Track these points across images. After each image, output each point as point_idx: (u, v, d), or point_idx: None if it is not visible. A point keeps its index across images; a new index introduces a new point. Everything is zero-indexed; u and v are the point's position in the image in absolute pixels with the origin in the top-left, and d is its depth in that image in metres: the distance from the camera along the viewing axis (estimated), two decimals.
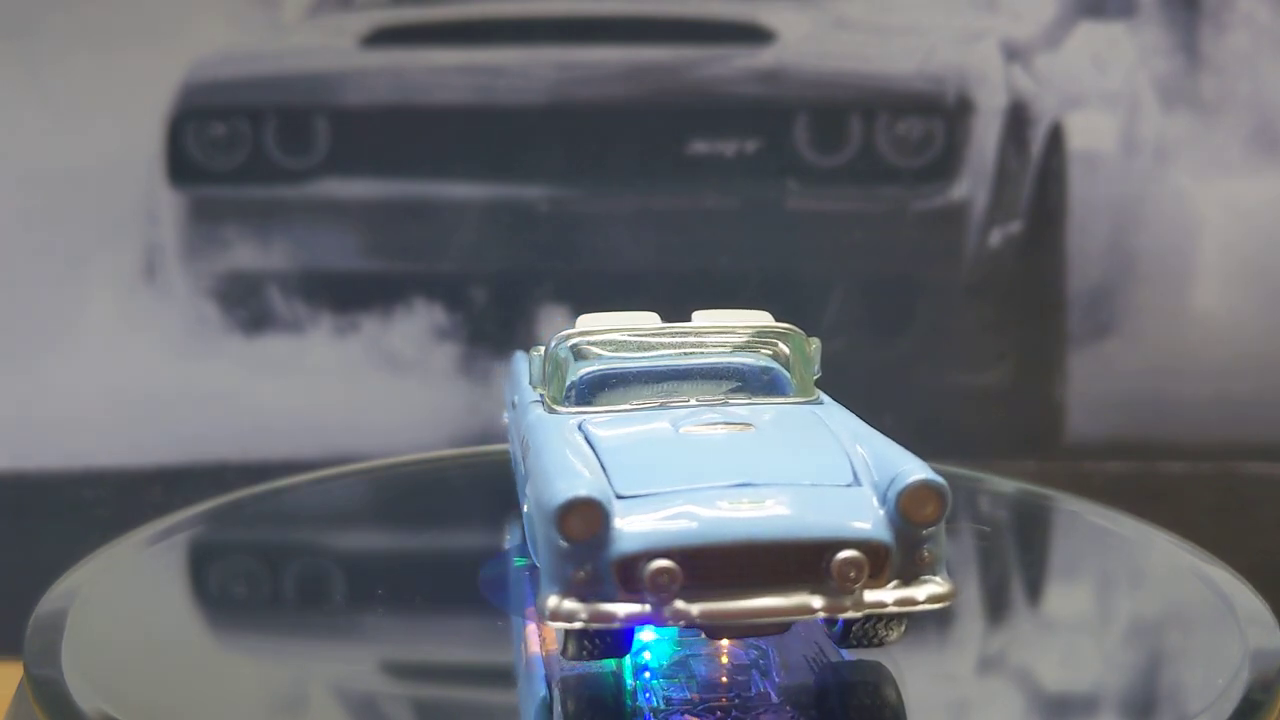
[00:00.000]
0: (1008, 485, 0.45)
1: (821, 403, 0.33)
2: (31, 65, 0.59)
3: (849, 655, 0.31)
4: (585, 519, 0.27)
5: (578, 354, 0.34)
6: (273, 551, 0.43)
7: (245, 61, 0.60)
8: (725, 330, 0.34)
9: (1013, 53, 0.59)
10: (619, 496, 0.28)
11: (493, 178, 0.60)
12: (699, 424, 0.30)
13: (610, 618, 0.27)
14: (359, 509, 0.46)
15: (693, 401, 0.32)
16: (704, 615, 0.27)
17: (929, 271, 0.60)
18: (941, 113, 0.59)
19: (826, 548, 0.27)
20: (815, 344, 0.34)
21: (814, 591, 0.27)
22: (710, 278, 0.60)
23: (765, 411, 0.32)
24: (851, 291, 0.60)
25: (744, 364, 0.33)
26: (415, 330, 0.60)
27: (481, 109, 0.60)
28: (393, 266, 0.60)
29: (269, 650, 0.36)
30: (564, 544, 0.27)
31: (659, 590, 0.26)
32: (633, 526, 0.27)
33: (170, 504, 0.42)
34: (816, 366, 0.34)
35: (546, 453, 0.30)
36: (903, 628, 0.29)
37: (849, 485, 0.28)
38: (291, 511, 0.44)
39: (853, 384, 0.39)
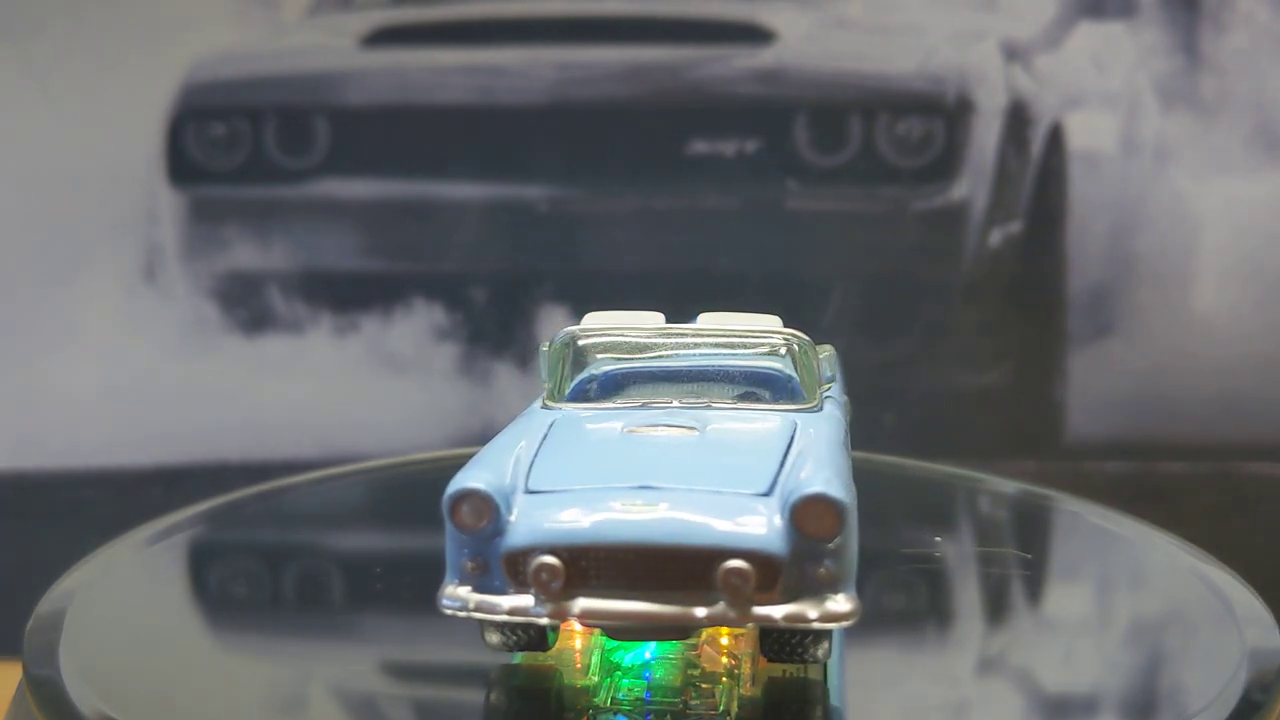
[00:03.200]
0: (1008, 485, 0.45)
1: (818, 410, 0.32)
2: (32, 65, 0.59)
3: (839, 675, 0.30)
4: (475, 510, 0.27)
5: (581, 351, 0.34)
6: (272, 551, 0.43)
7: (245, 61, 0.60)
8: (743, 334, 0.34)
9: (1013, 53, 0.59)
10: (529, 491, 0.28)
11: (493, 178, 0.60)
12: (648, 425, 0.30)
13: (495, 609, 0.27)
14: (359, 509, 0.46)
15: (675, 403, 0.32)
16: (584, 614, 0.27)
17: (929, 271, 0.60)
18: (941, 113, 0.59)
19: (716, 556, 0.26)
20: (828, 351, 0.34)
21: (701, 600, 0.27)
22: (710, 278, 0.60)
23: (736, 417, 0.32)
24: (851, 291, 0.60)
25: (763, 369, 0.33)
26: (415, 330, 0.60)
27: (481, 109, 0.60)
28: (393, 266, 0.60)
29: (269, 650, 0.36)
30: (457, 533, 0.28)
31: (541, 586, 0.27)
32: (523, 522, 0.27)
33: (170, 504, 0.42)
34: (829, 373, 0.34)
35: (492, 443, 0.30)
36: (826, 644, 0.28)
37: (758, 495, 0.27)
38: (291, 511, 0.44)
39: (853, 384, 0.39)
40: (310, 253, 0.60)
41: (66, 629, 0.32)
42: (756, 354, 0.33)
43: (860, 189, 0.60)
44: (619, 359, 0.34)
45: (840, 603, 0.27)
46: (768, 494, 0.27)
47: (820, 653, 0.28)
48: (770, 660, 0.29)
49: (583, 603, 0.27)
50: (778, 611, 0.27)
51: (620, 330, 0.34)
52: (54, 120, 0.60)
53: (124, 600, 0.36)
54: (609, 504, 0.27)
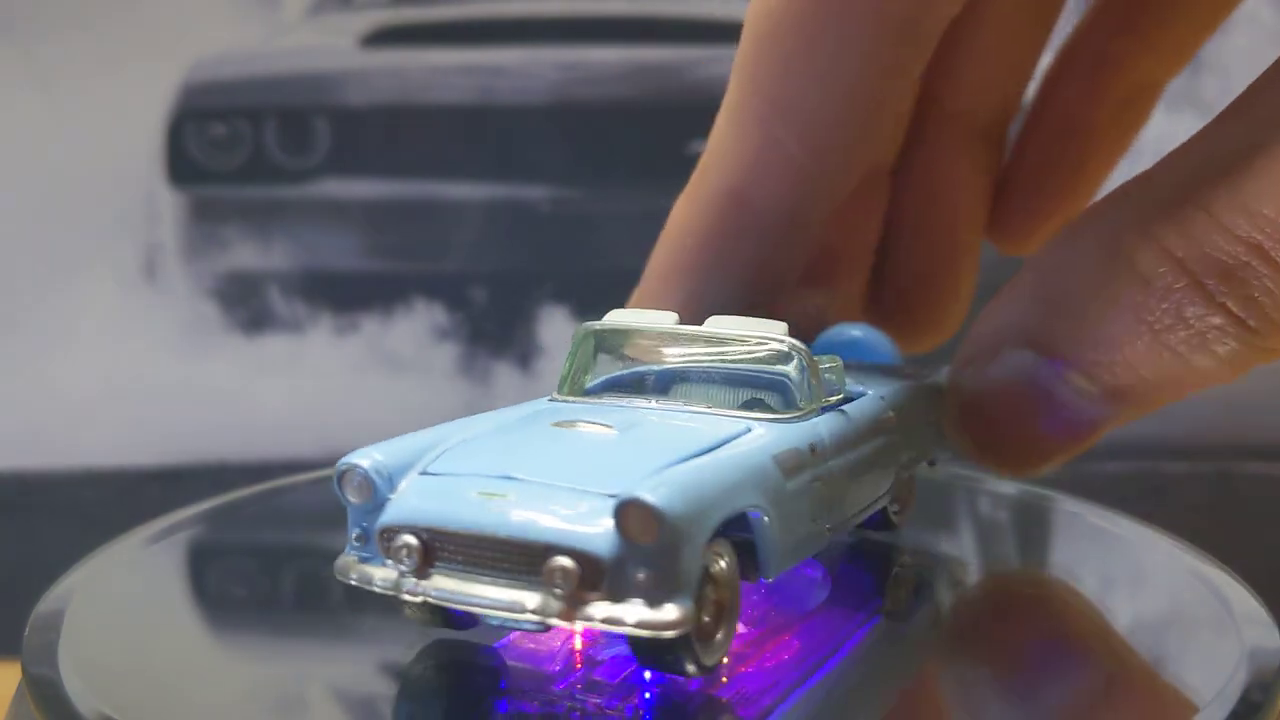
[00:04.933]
0: (1008, 485, 0.45)
1: (800, 421, 0.32)
2: (32, 66, 0.59)
3: (800, 693, 0.30)
4: (356, 485, 0.29)
5: (603, 347, 0.35)
6: (272, 551, 0.43)
7: (245, 61, 0.60)
8: (752, 341, 0.34)
9: None
10: (422, 473, 0.30)
11: (493, 178, 0.60)
12: (574, 421, 0.31)
13: (369, 580, 0.29)
14: None
15: (653, 403, 0.33)
16: (430, 591, 0.28)
17: None
18: None
19: (546, 551, 0.27)
20: (834, 362, 0.34)
21: (534, 591, 0.27)
22: None
23: (686, 419, 0.32)
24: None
25: (777, 374, 0.33)
26: (415, 330, 0.60)
27: (482, 109, 0.60)
28: (393, 266, 0.60)
29: (269, 650, 0.36)
30: (348, 505, 0.29)
31: (399, 562, 0.28)
32: (397, 500, 0.29)
33: (170, 504, 0.42)
34: (837, 383, 0.34)
35: (440, 425, 0.32)
36: (700, 662, 0.28)
37: (613, 495, 0.27)
38: (291, 511, 0.44)
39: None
40: (310, 253, 0.60)
41: (66, 629, 0.32)
42: (762, 361, 0.33)
43: None
44: (632, 360, 0.34)
45: (665, 611, 0.27)
46: (619, 496, 0.27)
47: (688, 666, 0.28)
48: (640, 664, 0.29)
49: (432, 581, 0.28)
50: (599, 612, 0.27)
51: (640, 331, 0.34)
52: (54, 120, 0.60)
53: (124, 600, 0.36)
54: (468, 491, 0.28)
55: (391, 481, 0.29)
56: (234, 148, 0.60)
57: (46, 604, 0.34)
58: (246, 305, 0.60)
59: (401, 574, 0.28)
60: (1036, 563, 0.42)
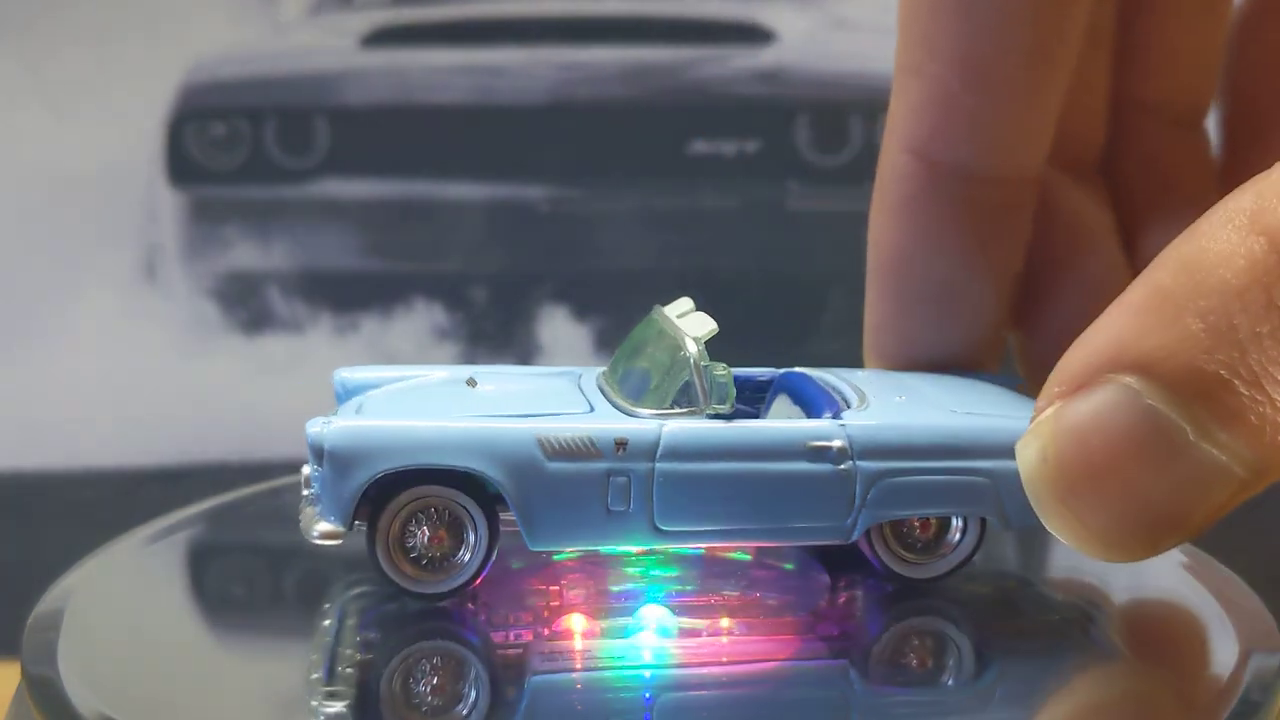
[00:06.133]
0: None
1: (630, 417, 0.33)
2: (31, 65, 0.59)
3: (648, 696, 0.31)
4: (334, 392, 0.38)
5: (644, 330, 0.37)
6: (272, 551, 0.43)
7: (245, 61, 0.60)
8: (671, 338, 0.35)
9: None
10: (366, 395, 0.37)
11: (493, 178, 0.60)
12: (470, 379, 0.36)
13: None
14: None
15: (593, 380, 0.36)
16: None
17: None
18: None
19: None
20: (722, 371, 0.34)
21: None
22: (710, 278, 0.60)
23: (554, 390, 0.35)
24: (851, 291, 0.60)
25: (663, 371, 0.35)
26: (415, 330, 0.60)
27: (482, 109, 0.60)
28: (393, 266, 0.60)
29: (269, 650, 0.36)
30: None
31: None
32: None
33: (170, 504, 0.42)
34: (727, 394, 0.34)
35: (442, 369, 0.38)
36: (397, 581, 0.34)
37: None
38: (291, 511, 0.44)
39: None
40: (310, 253, 0.60)
41: (66, 629, 0.32)
42: (664, 357, 0.35)
43: (860, 189, 0.59)
44: (648, 343, 0.37)
45: (318, 525, 0.33)
46: None
47: (436, 589, 0.33)
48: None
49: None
50: (305, 518, 0.33)
51: (653, 319, 0.37)
52: (54, 120, 0.60)
53: (124, 600, 0.36)
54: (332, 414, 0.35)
55: (351, 395, 0.37)
56: (234, 148, 0.60)
57: (46, 604, 0.34)
58: (246, 305, 0.60)
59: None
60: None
